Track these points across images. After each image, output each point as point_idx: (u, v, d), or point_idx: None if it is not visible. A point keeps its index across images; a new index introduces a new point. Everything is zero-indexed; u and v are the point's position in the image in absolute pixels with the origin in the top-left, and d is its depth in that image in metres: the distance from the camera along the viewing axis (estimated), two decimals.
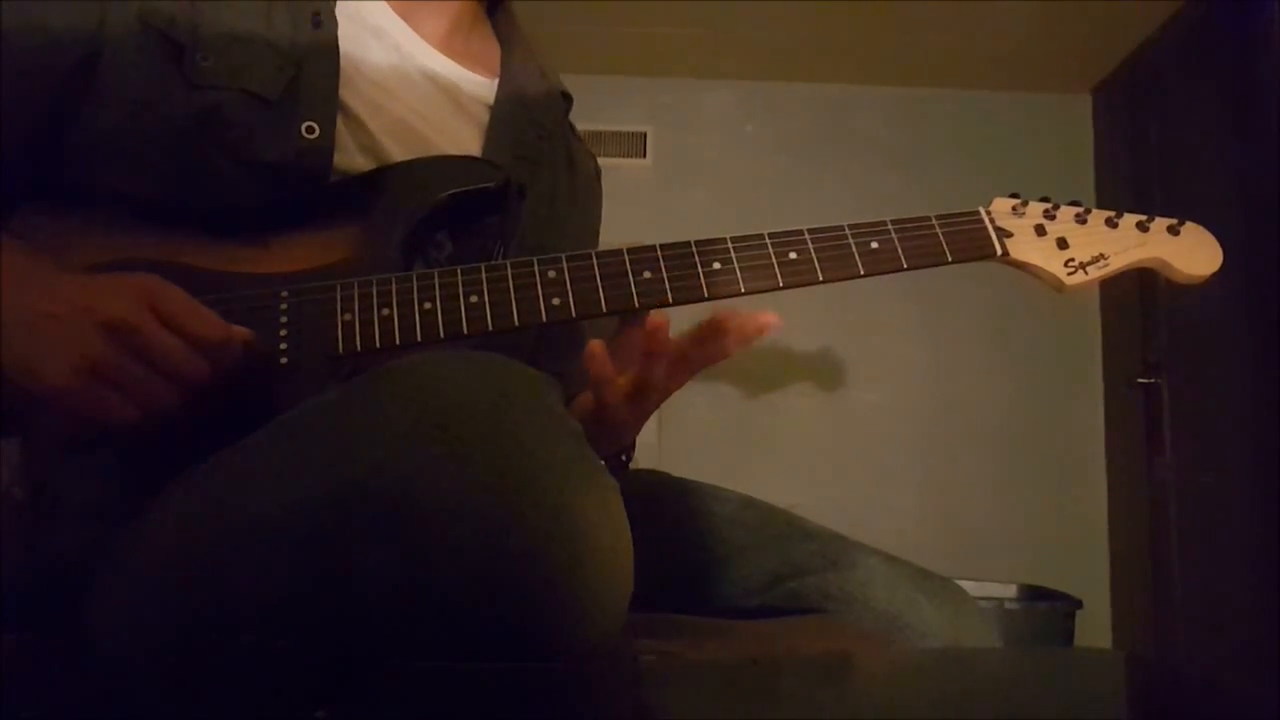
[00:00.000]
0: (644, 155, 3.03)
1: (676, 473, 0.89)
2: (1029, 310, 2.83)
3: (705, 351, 0.73)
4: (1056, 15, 2.58)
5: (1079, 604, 2.43)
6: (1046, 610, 2.43)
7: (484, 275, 0.71)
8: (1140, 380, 2.70)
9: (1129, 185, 2.79)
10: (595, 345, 0.71)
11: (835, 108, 3.04)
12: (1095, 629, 2.72)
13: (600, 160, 1.05)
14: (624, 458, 0.88)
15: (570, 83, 0.98)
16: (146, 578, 0.56)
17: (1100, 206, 0.82)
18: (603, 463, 0.57)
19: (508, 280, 0.71)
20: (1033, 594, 2.54)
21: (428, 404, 0.49)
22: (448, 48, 0.88)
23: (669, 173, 3.01)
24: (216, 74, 0.75)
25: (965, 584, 0.80)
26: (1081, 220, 0.80)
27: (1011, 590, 2.54)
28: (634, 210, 2.68)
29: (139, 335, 0.60)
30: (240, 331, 0.64)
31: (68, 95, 0.73)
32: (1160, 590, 2.61)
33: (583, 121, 1.03)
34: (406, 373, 0.52)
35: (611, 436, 0.78)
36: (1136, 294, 2.74)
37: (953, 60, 2.86)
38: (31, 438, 0.66)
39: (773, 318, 0.74)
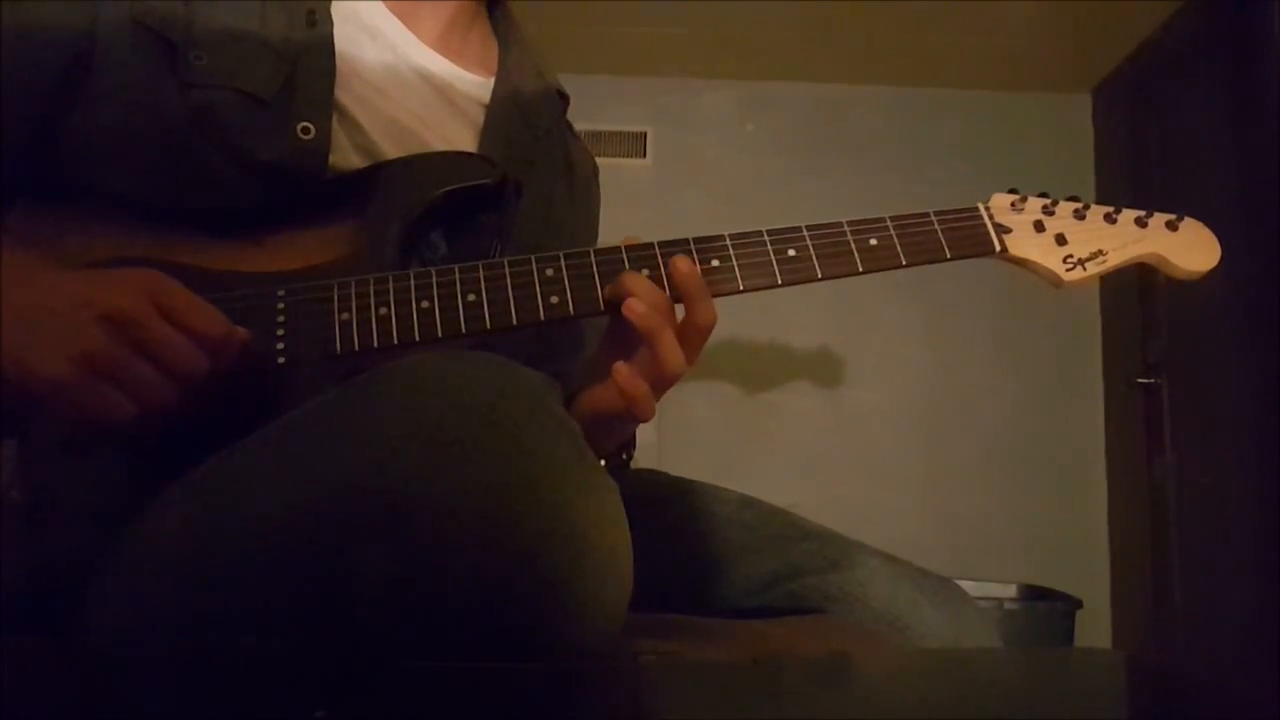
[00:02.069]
0: (644, 155, 3.03)
1: (676, 473, 0.89)
2: (1029, 310, 2.83)
3: (694, 326, 0.71)
4: (1056, 15, 2.58)
5: (1079, 604, 2.43)
6: (1046, 610, 2.43)
7: (482, 274, 0.71)
8: (1140, 380, 2.70)
9: (1129, 185, 2.79)
10: (623, 367, 0.69)
11: (835, 108, 3.04)
12: (1095, 629, 2.72)
13: (600, 160, 1.05)
14: (624, 456, 0.88)
15: (570, 83, 0.98)
16: (146, 579, 0.56)
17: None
18: (602, 463, 0.57)
19: (505, 279, 0.71)
20: (1033, 594, 2.54)
21: (426, 405, 0.49)
22: (444, 47, 0.88)
23: (669, 173, 3.01)
24: (211, 73, 0.75)
25: (965, 584, 0.80)
26: (1080, 216, 0.80)
27: (1011, 590, 2.54)
28: (634, 210, 2.67)
29: (140, 329, 0.60)
30: (240, 331, 0.64)
31: (61, 95, 0.73)
32: (1160, 590, 2.61)
33: (583, 121, 1.02)
34: (405, 374, 0.52)
35: (619, 436, 0.78)
36: (1136, 294, 2.74)
37: (953, 60, 2.86)
38: (30, 438, 0.66)
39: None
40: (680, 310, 0.72)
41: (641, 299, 0.68)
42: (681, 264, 0.71)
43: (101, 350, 0.59)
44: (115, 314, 0.59)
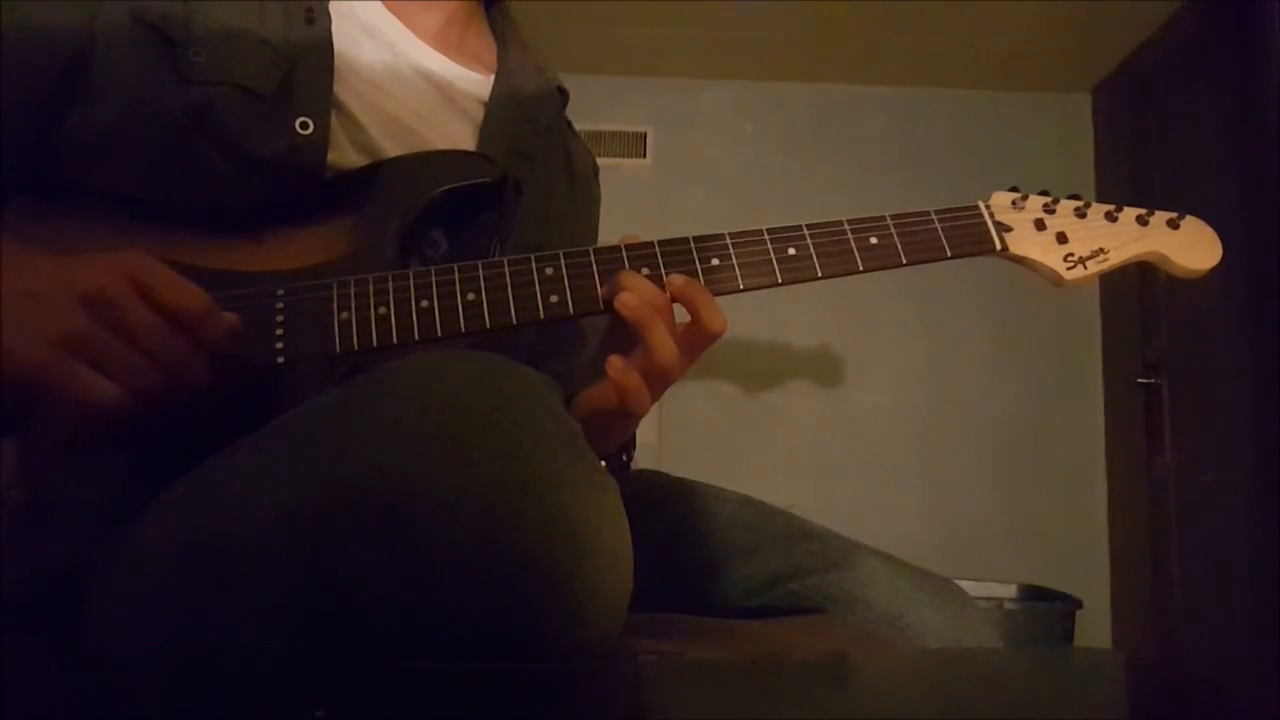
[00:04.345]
0: (644, 155, 3.03)
1: (676, 473, 0.89)
2: (1029, 310, 2.83)
3: (700, 331, 0.71)
4: (1056, 15, 2.58)
5: (1079, 604, 2.43)
6: (1046, 610, 2.43)
7: (481, 273, 0.70)
8: (1140, 380, 2.70)
9: (1129, 185, 2.79)
10: (616, 360, 0.69)
11: (835, 108, 3.04)
12: (1095, 629, 2.72)
13: (600, 160, 1.05)
14: (624, 457, 0.88)
15: (570, 83, 0.98)
16: (146, 579, 0.56)
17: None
18: (602, 463, 0.56)
19: (505, 278, 0.70)
20: (1033, 594, 2.54)
21: (426, 405, 0.49)
22: (442, 44, 0.88)
23: (669, 173, 3.01)
24: (209, 69, 0.75)
25: (965, 584, 0.80)
26: (1081, 214, 0.80)
27: (1011, 590, 2.54)
28: (634, 210, 2.68)
29: (118, 308, 0.59)
30: (227, 317, 0.63)
31: (60, 92, 0.73)
32: (1160, 590, 2.61)
33: (583, 121, 1.02)
34: (405, 374, 0.52)
35: (618, 435, 0.78)
36: (1136, 293, 2.74)
37: (953, 60, 2.86)
38: (29, 438, 0.66)
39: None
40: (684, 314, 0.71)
41: (635, 293, 0.68)
42: (676, 279, 0.71)
43: (81, 332, 0.58)
44: (94, 294, 0.58)
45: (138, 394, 0.59)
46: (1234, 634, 2.29)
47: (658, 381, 0.70)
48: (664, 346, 0.68)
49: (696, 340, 0.71)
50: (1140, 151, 2.77)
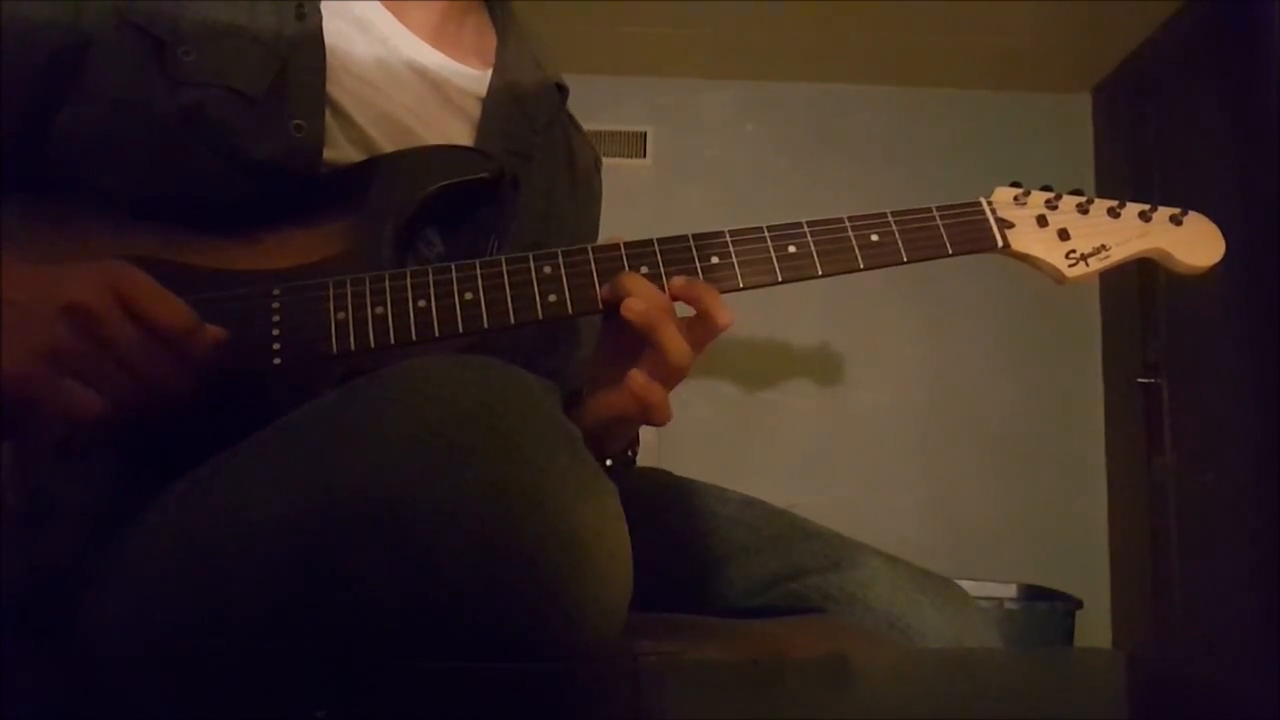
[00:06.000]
0: (644, 155, 3.03)
1: (676, 472, 0.89)
2: (1029, 309, 2.83)
3: (707, 326, 0.71)
4: (1056, 15, 2.58)
5: (1079, 604, 2.43)
6: (1046, 610, 2.43)
7: (479, 272, 0.70)
8: (1140, 380, 2.70)
9: (1129, 185, 2.79)
10: (638, 375, 0.68)
11: (835, 108, 3.04)
12: (1095, 629, 2.72)
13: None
14: (629, 454, 0.87)
15: (570, 83, 0.97)
16: (145, 582, 0.56)
17: None
18: (609, 462, 0.56)
19: (503, 277, 0.70)
20: (1033, 594, 2.53)
21: (425, 409, 0.49)
22: (438, 40, 0.87)
23: (669, 173, 3.01)
24: (199, 70, 0.74)
25: (965, 584, 0.80)
26: (1084, 211, 0.79)
27: (1011, 590, 2.54)
28: (634, 210, 2.68)
29: (99, 322, 0.58)
30: (212, 329, 0.62)
31: (46, 91, 0.72)
32: (1160, 590, 2.61)
33: (583, 121, 1.02)
34: (404, 378, 0.52)
35: (626, 435, 0.77)
36: (1136, 293, 2.74)
37: (953, 60, 2.86)
38: (25, 442, 0.65)
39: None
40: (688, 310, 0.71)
41: (640, 297, 0.68)
42: (677, 281, 0.70)
43: (63, 344, 0.57)
44: (76, 306, 0.58)
45: (121, 407, 0.59)
46: (1234, 634, 2.29)
47: (669, 380, 0.70)
48: (675, 346, 0.68)
49: (702, 336, 0.70)
50: (1140, 151, 2.77)
